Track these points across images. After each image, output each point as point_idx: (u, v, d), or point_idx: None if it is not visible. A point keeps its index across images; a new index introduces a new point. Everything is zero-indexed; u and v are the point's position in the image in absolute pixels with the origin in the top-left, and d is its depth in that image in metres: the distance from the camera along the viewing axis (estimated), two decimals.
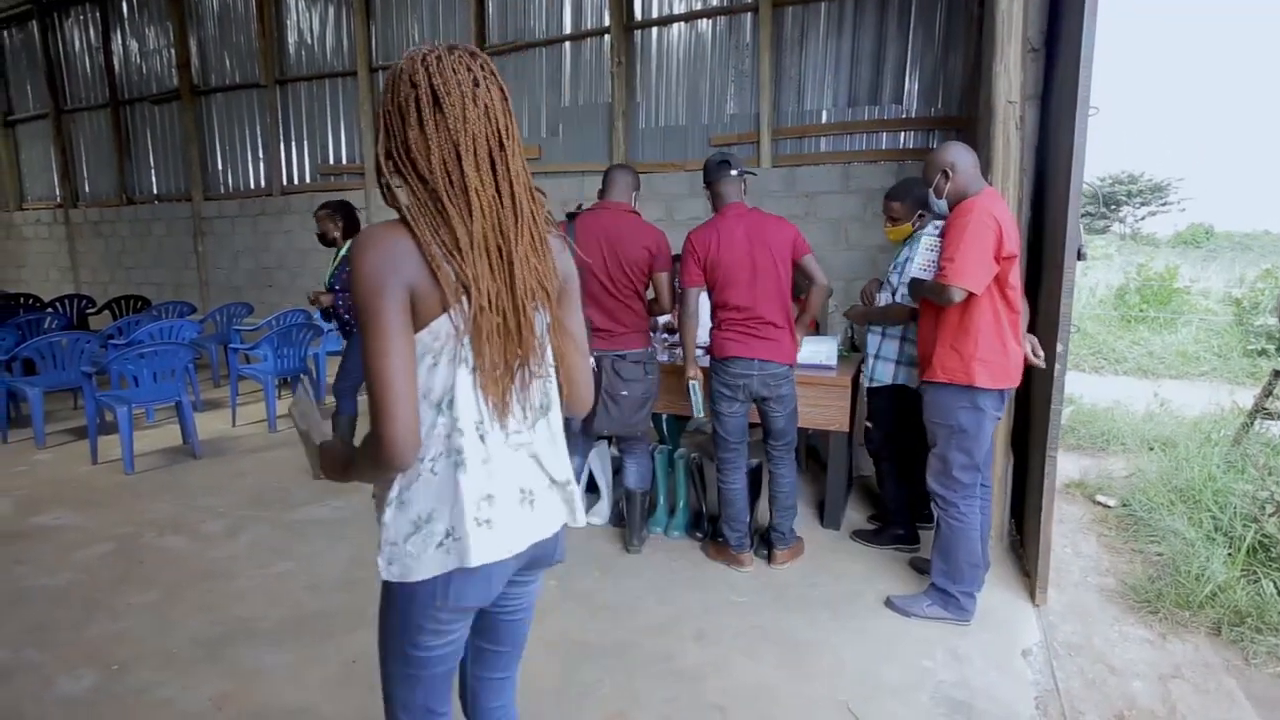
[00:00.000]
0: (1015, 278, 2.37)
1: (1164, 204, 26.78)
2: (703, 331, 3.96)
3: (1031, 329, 2.63)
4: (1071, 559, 3.06)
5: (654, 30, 6.59)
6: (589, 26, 6.83)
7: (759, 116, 6.10)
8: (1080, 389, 5.69)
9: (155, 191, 10.14)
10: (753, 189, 6.28)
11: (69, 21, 10.26)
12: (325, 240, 3.92)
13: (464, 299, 1.04)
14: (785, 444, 2.89)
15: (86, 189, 10.86)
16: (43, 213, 11.33)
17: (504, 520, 1.11)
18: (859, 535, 3.19)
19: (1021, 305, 2.44)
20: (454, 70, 1.04)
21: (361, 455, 1.07)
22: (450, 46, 1.07)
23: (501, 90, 1.11)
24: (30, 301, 7.50)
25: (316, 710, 2.04)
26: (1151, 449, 4.18)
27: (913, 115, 5.66)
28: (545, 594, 2.70)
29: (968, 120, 5.20)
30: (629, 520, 3.08)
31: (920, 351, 2.57)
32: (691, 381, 2.86)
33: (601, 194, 2.92)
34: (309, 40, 8.42)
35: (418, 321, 1.03)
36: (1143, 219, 27.37)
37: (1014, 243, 2.33)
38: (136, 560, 3.03)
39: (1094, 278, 10.72)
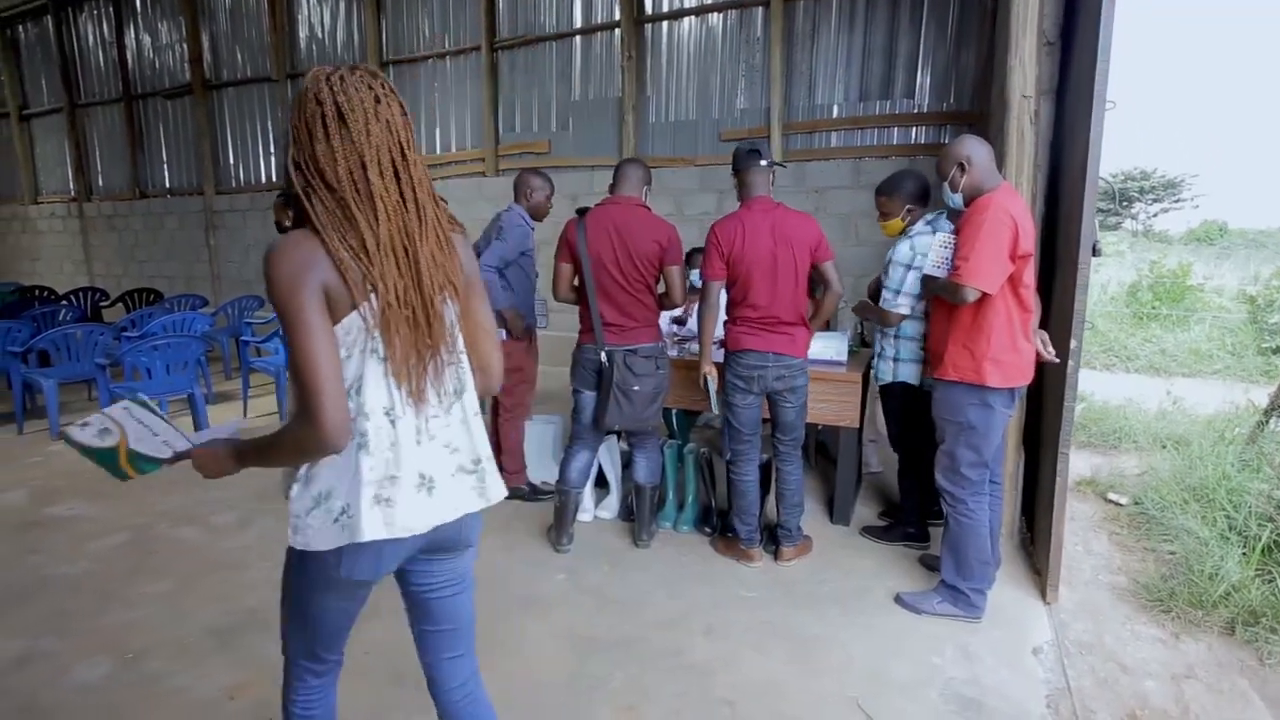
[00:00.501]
0: (1030, 276, 2.34)
1: (1177, 201, 26.54)
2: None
3: (1044, 325, 2.61)
4: (1083, 557, 3.04)
5: (664, 24, 6.57)
6: (599, 20, 6.82)
7: (769, 111, 6.08)
8: (1091, 386, 5.65)
9: (168, 185, 10.21)
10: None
11: (83, 16, 10.33)
12: (280, 229, 3.95)
13: (372, 296, 1.13)
14: (793, 439, 2.88)
15: (100, 183, 10.95)
16: (57, 206, 11.43)
17: (403, 502, 1.18)
18: (868, 531, 3.18)
19: (1034, 303, 2.42)
20: (356, 89, 1.14)
21: (284, 442, 1.13)
22: (352, 67, 1.17)
23: (401, 106, 1.19)
24: (45, 294, 7.58)
25: None
26: (1164, 447, 4.15)
27: (924, 110, 5.63)
28: (555, 587, 2.73)
29: (980, 115, 5.16)
30: (638, 515, 3.09)
31: (932, 348, 2.55)
32: (706, 376, 2.85)
33: (612, 188, 2.91)
34: (320, 35, 8.45)
35: (331, 318, 1.12)
36: (1155, 216, 27.15)
37: (1030, 241, 2.29)
38: (149, 551, 3.06)
39: (1106, 274, 10.63)
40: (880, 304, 2.87)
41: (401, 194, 1.16)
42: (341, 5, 8.19)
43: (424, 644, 1.44)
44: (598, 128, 6.96)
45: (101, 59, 10.24)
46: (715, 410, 2.90)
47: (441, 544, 1.30)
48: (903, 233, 2.86)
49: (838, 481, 3.30)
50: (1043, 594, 2.61)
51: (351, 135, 1.12)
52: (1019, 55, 2.70)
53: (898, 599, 2.61)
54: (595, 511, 3.38)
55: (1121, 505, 3.54)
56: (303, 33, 8.53)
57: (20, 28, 11.00)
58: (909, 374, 2.90)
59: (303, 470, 1.18)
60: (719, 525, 3.20)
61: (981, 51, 5.15)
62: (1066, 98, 2.76)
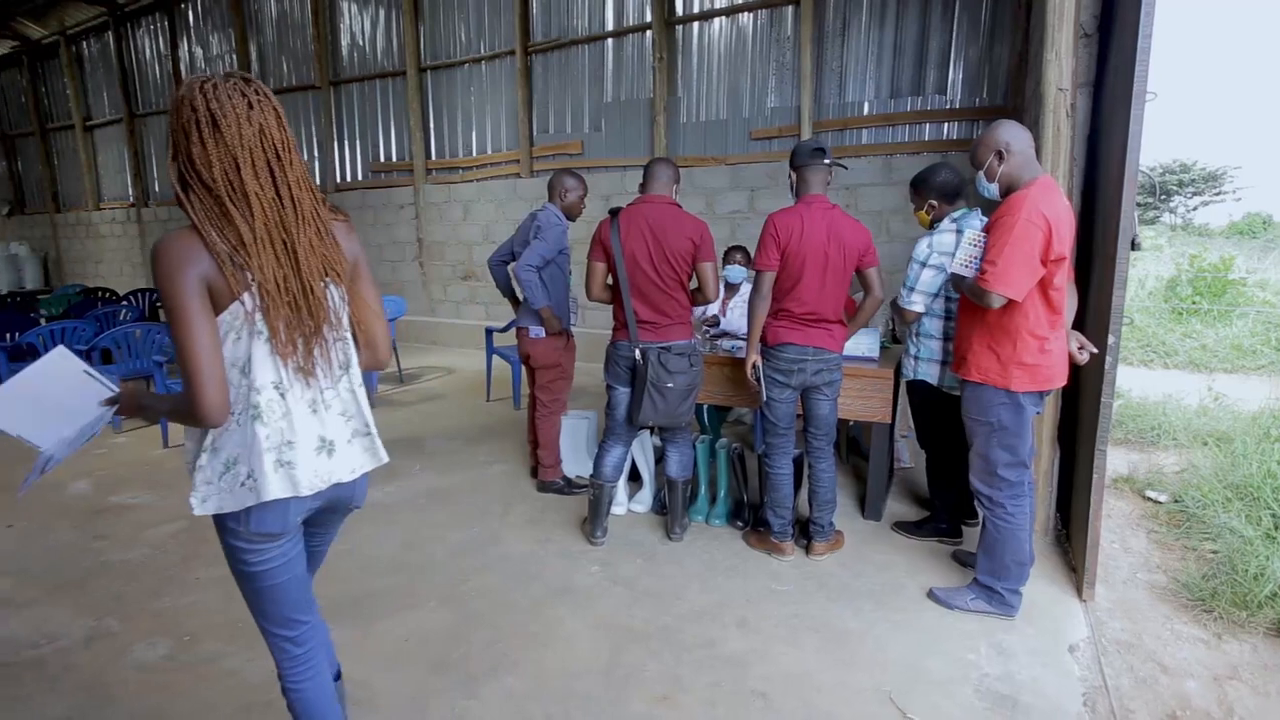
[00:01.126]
0: (1061, 278, 2.24)
1: (1218, 193, 25.63)
2: (745, 322, 3.99)
3: (1080, 321, 2.57)
4: (1120, 555, 2.99)
5: (695, 25, 6.60)
6: (631, 23, 6.89)
7: (800, 109, 6.08)
8: (1129, 382, 5.51)
9: None
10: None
11: (140, 31, 10.80)
12: None
13: (253, 285, 1.25)
14: (825, 435, 2.88)
15: (156, 189, 11.43)
16: (117, 211, 11.97)
17: (303, 463, 1.33)
18: (900, 527, 3.17)
19: (1067, 302, 2.35)
20: (229, 96, 1.23)
21: (178, 409, 1.27)
22: (226, 75, 1.26)
23: (276, 111, 1.29)
24: (107, 295, 7.94)
25: (372, 684, 2.14)
26: (1205, 444, 4.04)
27: (956, 106, 5.58)
28: (590, 579, 2.79)
29: (1013, 110, 5.10)
30: (671, 508, 3.13)
31: (957, 347, 2.50)
32: (756, 365, 2.83)
33: (643, 187, 2.94)
34: (360, 42, 8.68)
35: (217, 307, 1.24)
36: (1195, 209, 26.26)
37: (1064, 243, 2.19)
38: (202, 539, 3.19)
39: (1143, 269, 10.28)
40: (896, 300, 2.87)
41: (278, 191, 1.27)
42: (381, 14, 8.40)
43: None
44: (629, 128, 7.03)
45: (157, 71, 10.69)
46: (763, 399, 2.87)
47: (337, 502, 1.46)
48: (929, 228, 2.85)
49: (869, 477, 3.30)
50: (1078, 591, 2.58)
51: (225, 139, 1.22)
52: (1055, 48, 2.67)
53: (931, 594, 2.60)
54: (629, 505, 3.43)
55: (1160, 503, 3.46)
56: (344, 41, 8.78)
57: (84, 43, 11.55)
58: (928, 373, 2.89)
59: (208, 441, 1.31)
60: (751, 519, 3.22)
61: (1016, 45, 5.08)
62: (1104, 90, 2.71)
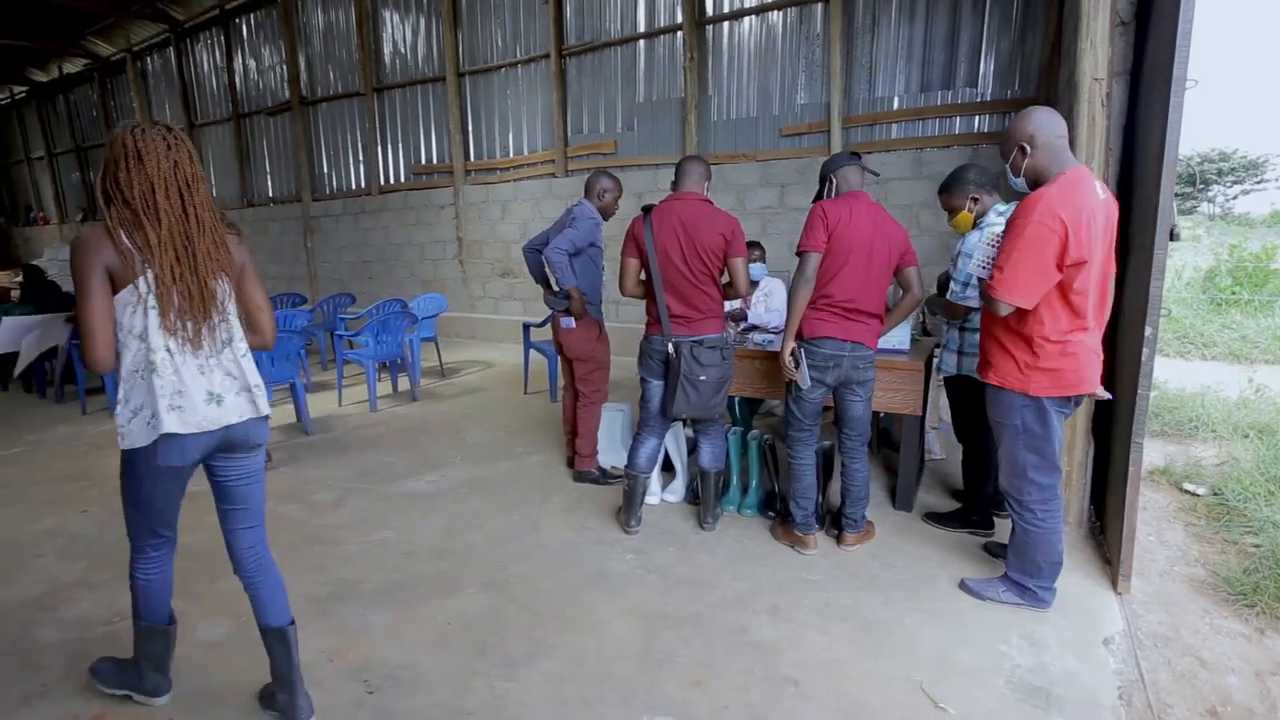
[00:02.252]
0: (1084, 282, 2.12)
1: (1259, 182, 24.47)
2: (774, 316, 4.02)
3: (1116, 313, 2.53)
4: (1156, 547, 2.94)
5: (725, 25, 6.63)
6: (662, 24, 6.94)
7: (829, 105, 6.06)
8: (1165, 374, 5.35)
9: (270, 194, 11.02)
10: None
11: (198, 46, 11.29)
12: None
13: (149, 274, 1.67)
14: (860, 434, 2.88)
15: (214, 194, 11.93)
16: None
17: (192, 409, 1.72)
18: (931, 518, 3.16)
19: (1101, 304, 2.24)
20: (152, 139, 1.67)
21: (83, 356, 1.71)
22: (154, 123, 1.70)
23: (189, 153, 1.74)
24: None
25: (416, 667, 2.23)
26: (1246, 436, 3.92)
27: (988, 98, 5.51)
28: (624, 566, 2.86)
29: (1046, 101, 5.01)
30: (703, 498, 3.17)
31: (981, 347, 2.45)
32: (796, 352, 2.76)
33: (674, 185, 3.00)
34: (402, 50, 8.92)
35: (117, 285, 1.67)
36: (1235, 198, 25.11)
37: (1086, 246, 2.07)
38: None
39: (1179, 260, 9.87)
40: (948, 296, 2.82)
41: (184, 210, 1.71)
42: (422, 23, 8.62)
43: (224, 520, 1.98)
44: (661, 127, 7.08)
45: (214, 83, 11.17)
46: (805, 384, 2.77)
47: (234, 442, 1.84)
48: (974, 225, 2.80)
49: (900, 468, 3.30)
50: (1113, 584, 2.55)
51: (146, 169, 1.65)
52: (1091, 37, 2.64)
53: (962, 584, 2.60)
54: (662, 495, 3.49)
55: (1198, 495, 3.38)
56: (387, 49, 9.04)
57: (148, 59, 12.13)
58: (974, 367, 2.83)
59: (121, 394, 1.72)
60: (782, 510, 3.25)
61: (1048, 35, 4.99)
62: (1142, 78, 2.67)
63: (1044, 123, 2.18)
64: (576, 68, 7.55)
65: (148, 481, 1.78)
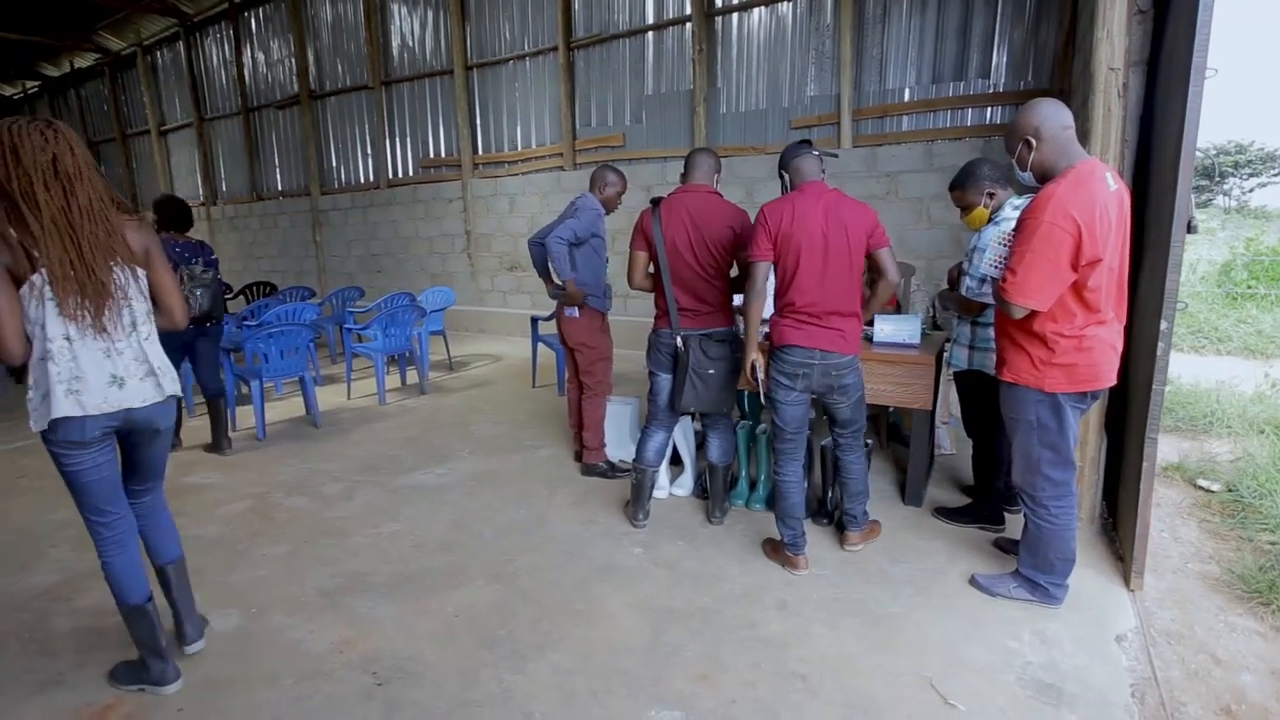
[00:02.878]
0: (1099, 279, 2.08)
1: (1276, 174, 24.13)
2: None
3: (1131, 307, 2.48)
4: (1170, 544, 2.91)
5: (735, 16, 6.59)
6: (671, 15, 6.91)
7: (839, 97, 6.02)
8: (1179, 369, 5.30)
9: (279, 188, 11.06)
10: (832, 170, 6.24)
11: (208, 40, 11.33)
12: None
13: (42, 269, 1.76)
14: (854, 431, 2.76)
15: (224, 188, 12.00)
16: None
17: (90, 392, 1.84)
18: (941, 513, 3.14)
19: (1117, 298, 2.20)
20: (29, 134, 1.73)
21: None
22: (30, 120, 1.76)
23: (70, 145, 1.79)
24: None
25: (424, 659, 2.24)
26: (1261, 432, 3.88)
27: (1000, 90, 5.46)
28: (632, 560, 2.85)
29: (1060, 92, 4.97)
30: (711, 492, 3.17)
31: (996, 342, 2.41)
32: (754, 363, 2.68)
33: (684, 177, 2.98)
34: (410, 43, 8.91)
35: (18, 281, 1.76)
36: (1251, 191, 24.77)
37: (1101, 244, 2.02)
38: (268, 517, 3.39)
39: (1194, 253, 9.75)
40: (963, 292, 2.78)
41: (66, 201, 1.77)
42: (430, 16, 8.61)
43: (125, 477, 2.10)
44: (670, 120, 7.05)
45: (224, 76, 11.21)
46: (763, 400, 2.71)
47: (137, 422, 1.97)
48: (989, 220, 2.76)
49: (910, 463, 3.28)
50: (1126, 581, 2.53)
51: (23, 163, 1.72)
52: (1107, 26, 2.60)
53: (972, 580, 2.58)
54: (670, 489, 3.49)
55: (1213, 492, 3.35)
56: (395, 42, 9.03)
57: (159, 53, 12.18)
58: (986, 362, 2.82)
59: (30, 381, 1.85)
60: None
61: (1063, 25, 4.93)
62: (1159, 68, 2.63)
63: (1049, 115, 2.12)
64: (585, 60, 7.52)
65: (64, 462, 1.91)
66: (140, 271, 1.96)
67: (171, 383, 2.02)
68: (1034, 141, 2.14)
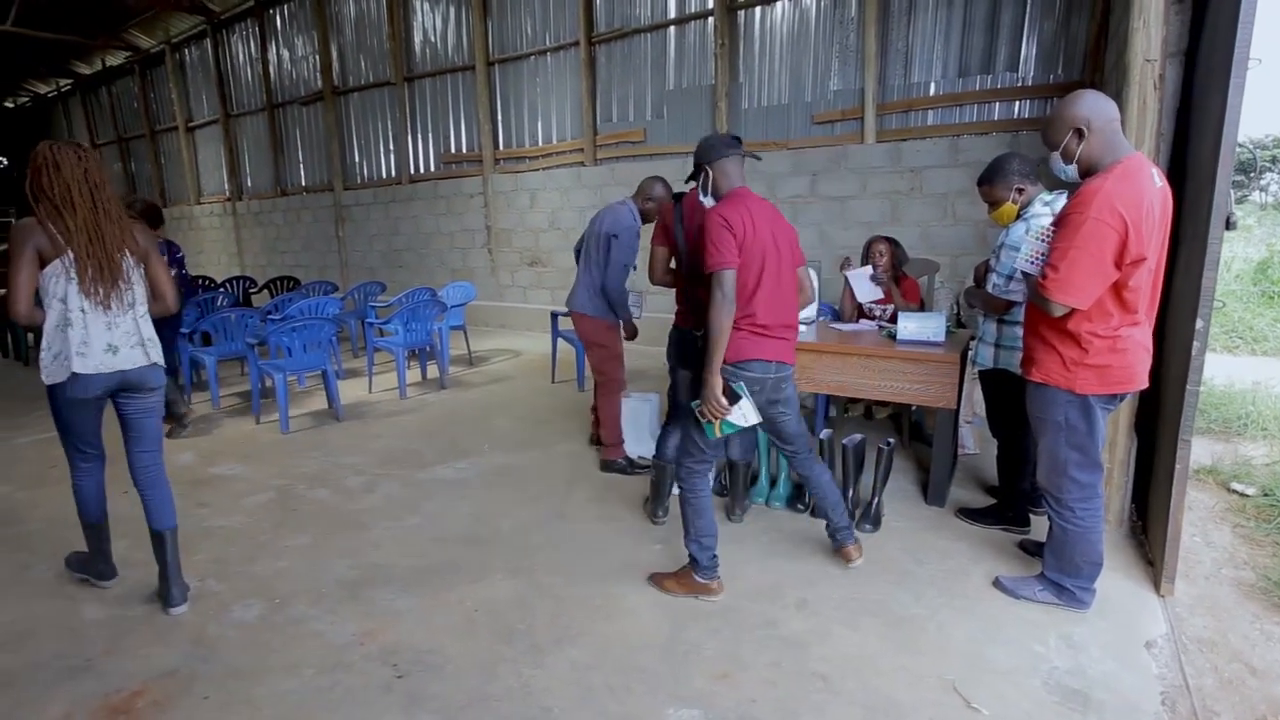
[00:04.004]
0: (1139, 279, 2.02)
1: None
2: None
3: (1165, 305, 2.42)
4: (1202, 549, 2.84)
5: (758, 9, 6.53)
6: (693, 10, 6.86)
7: (863, 91, 5.95)
8: (1212, 369, 5.15)
9: (303, 183, 11.18)
10: (858, 164, 6.18)
11: (234, 37, 11.49)
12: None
13: (69, 253, 2.22)
14: (802, 447, 2.64)
15: (249, 183, 12.18)
16: (215, 205, 12.83)
17: (94, 356, 2.29)
18: (964, 513, 3.10)
19: (1151, 298, 2.14)
20: (65, 153, 2.23)
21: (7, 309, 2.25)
22: (67, 142, 2.26)
23: (96, 162, 2.31)
24: (206, 282, 8.52)
25: (444, 652, 2.25)
26: None
27: (1029, 83, 5.34)
28: (651, 556, 2.85)
29: (1092, 85, 4.84)
30: (731, 490, 3.15)
31: (1025, 341, 2.35)
32: (729, 385, 2.36)
33: None
34: (432, 39, 8.95)
35: (44, 262, 2.22)
36: None
37: (1145, 242, 1.95)
38: (291, 509, 3.43)
39: (1229, 250, 9.47)
40: (989, 289, 2.73)
41: (94, 204, 2.26)
42: (452, 11, 8.64)
43: (128, 443, 2.52)
44: (691, 115, 7.01)
45: (249, 74, 11.36)
46: (750, 421, 2.38)
47: (131, 383, 2.40)
48: (1018, 216, 2.70)
49: (933, 463, 3.23)
50: (1156, 586, 2.47)
51: (63, 175, 2.21)
52: (1144, 15, 2.53)
53: (996, 582, 2.54)
54: None
55: (1248, 496, 3.26)
56: (417, 38, 9.08)
57: (186, 51, 12.38)
58: (1011, 361, 2.77)
59: (45, 343, 2.28)
60: (811, 504, 3.21)
61: (1095, 16, 4.81)
62: (1198, 59, 2.55)
63: (1098, 106, 2.04)
64: (606, 55, 7.50)
65: (65, 410, 2.37)
66: (141, 264, 2.43)
67: (157, 353, 2.47)
68: (1085, 132, 2.04)
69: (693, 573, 2.52)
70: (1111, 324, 2.09)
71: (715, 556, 2.51)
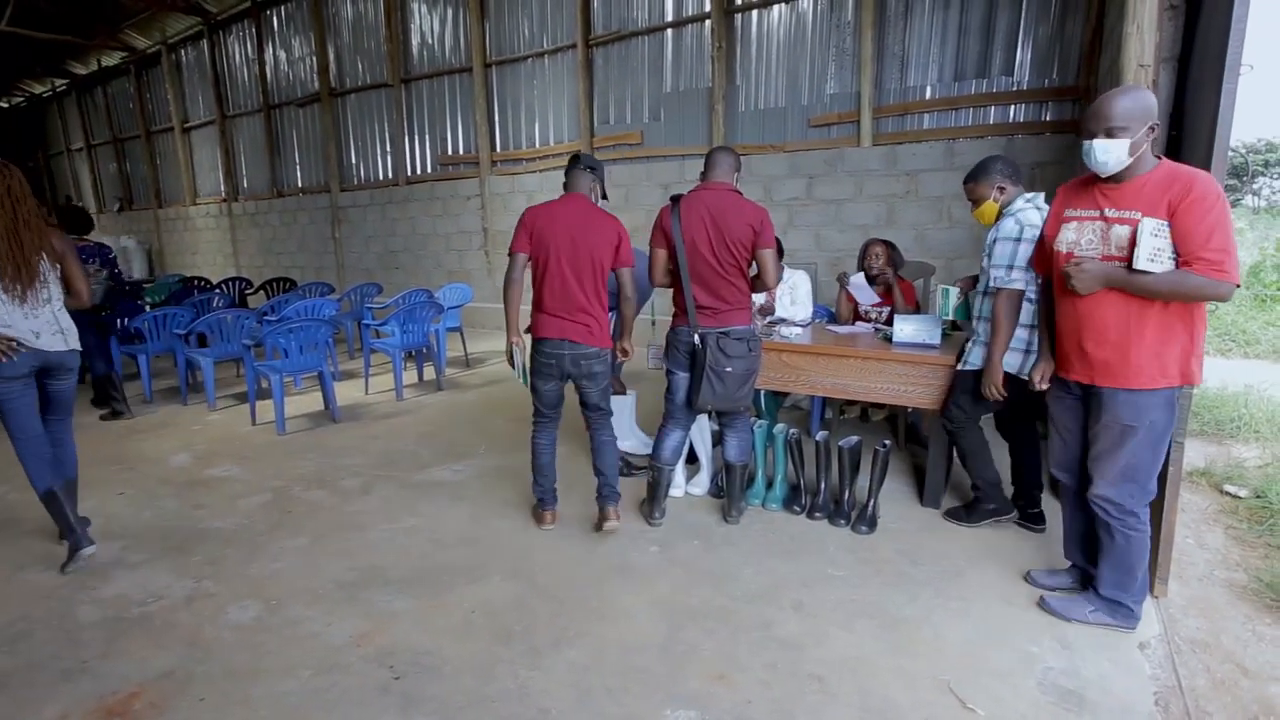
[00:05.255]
0: None
1: None
2: (800, 309, 3.98)
3: None
4: (1195, 551, 2.86)
5: (754, 13, 6.56)
6: (690, 13, 6.89)
7: (859, 95, 5.98)
8: (1205, 372, 5.19)
9: (300, 185, 11.16)
10: (854, 167, 6.19)
11: (230, 38, 11.46)
12: None
13: None
14: (600, 412, 3.08)
15: (245, 184, 12.14)
16: (210, 206, 12.78)
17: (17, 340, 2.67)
18: (951, 514, 3.12)
19: None
20: None
21: None
22: None
23: (18, 178, 2.68)
24: (201, 283, 8.50)
25: (441, 653, 2.25)
26: None
27: (1024, 87, 5.37)
28: (648, 558, 2.86)
29: (1085, 89, 4.88)
30: (728, 491, 3.15)
31: (1099, 354, 2.15)
32: (514, 346, 2.97)
33: (704, 175, 2.96)
34: (430, 41, 8.95)
35: None
36: None
37: None
38: (287, 510, 3.43)
39: None
40: (993, 284, 2.70)
41: (14, 215, 2.63)
42: (449, 13, 8.64)
43: (46, 414, 2.90)
44: (688, 118, 7.03)
45: (246, 74, 11.33)
46: (523, 383, 3.07)
47: (51, 362, 2.80)
48: (1000, 214, 2.76)
49: (928, 464, 3.25)
50: (1150, 587, 2.47)
51: None
52: (1137, 21, 2.55)
53: (1043, 604, 2.42)
54: (686, 488, 3.48)
55: (1240, 498, 3.29)
56: (415, 40, 9.08)
57: (183, 51, 12.35)
58: (1011, 362, 2.76)
59: None
60: (808, 504, 3.22)
61: (1090, 21, 4.85)
62: (1192, 65, 2.58)
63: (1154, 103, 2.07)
64: (604, 57, 7.51)
65: (1, 389, 2.73)
66: (57, 265, 2.82)
67: (74, 340, 2.89)
68: (1156, 129, 2.03)
69: (536, 506, 3.19)
70: (1204, 309, 2.09)
71: (545, 493, 3.13)
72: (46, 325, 2.76)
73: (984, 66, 5.50)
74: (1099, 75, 4.30)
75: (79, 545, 2.87)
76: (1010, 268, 2.65)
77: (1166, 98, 2.66)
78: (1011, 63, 5.38)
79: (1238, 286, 1.99)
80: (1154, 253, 2.02)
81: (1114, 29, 2.75)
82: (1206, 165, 2.19)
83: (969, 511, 3.07)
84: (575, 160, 3.01)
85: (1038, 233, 2.49)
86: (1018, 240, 2.63)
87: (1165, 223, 1.98)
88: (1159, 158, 2.07)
